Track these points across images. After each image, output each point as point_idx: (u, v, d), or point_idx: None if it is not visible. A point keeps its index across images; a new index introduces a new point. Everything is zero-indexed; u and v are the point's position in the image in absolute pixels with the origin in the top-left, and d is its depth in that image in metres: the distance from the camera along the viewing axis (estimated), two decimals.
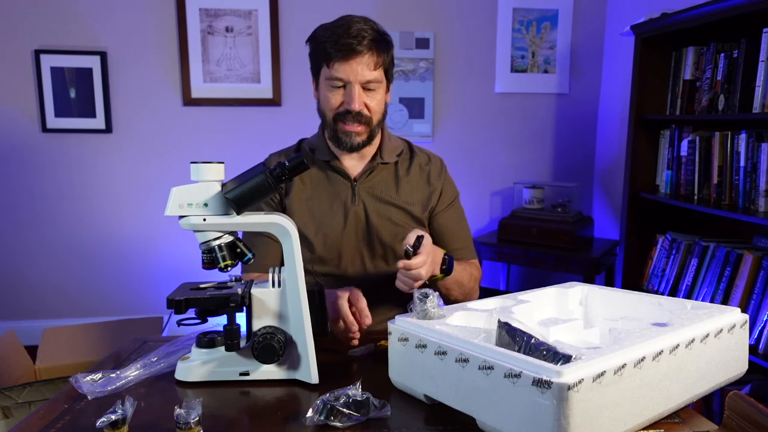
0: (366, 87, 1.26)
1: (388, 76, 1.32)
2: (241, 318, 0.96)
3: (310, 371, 0.92)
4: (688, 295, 2.08)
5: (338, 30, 1.23)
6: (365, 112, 1.27)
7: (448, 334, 0.78)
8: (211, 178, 0.89)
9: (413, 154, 1.41)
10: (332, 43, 1.22)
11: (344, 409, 0.77)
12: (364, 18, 1.27)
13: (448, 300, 1.35)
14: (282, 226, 0.92)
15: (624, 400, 0.68)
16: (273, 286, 0.94)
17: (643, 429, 0.73)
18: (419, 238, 1.08)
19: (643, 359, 0.69)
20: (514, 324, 0.79)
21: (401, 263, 1.06)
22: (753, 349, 1.72)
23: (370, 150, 1.35)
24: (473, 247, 1.45)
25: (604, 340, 0.85)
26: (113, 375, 0.93)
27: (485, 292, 1.26)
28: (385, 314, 1.32)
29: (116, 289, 2.98)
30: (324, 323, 0.98)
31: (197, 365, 0.93)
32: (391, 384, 0.89)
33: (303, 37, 1.32)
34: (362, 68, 1.23)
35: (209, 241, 0.92)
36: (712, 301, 1.95)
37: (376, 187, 1.34)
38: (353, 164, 1.35)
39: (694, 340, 0.77)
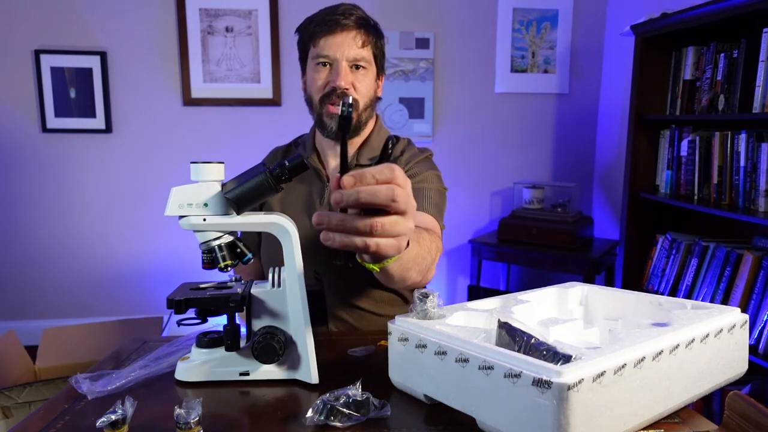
0: (354, 66, 1.18)
1: (378, 65, 1.24)
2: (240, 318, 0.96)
3: (310, 371, 0.92)
4: (688, 295, 2.08)
5: (325, 10, 1.19)
6: (352, 92, 1.18)
7: (448, 334, 0.78)
8: (211, 178, 0.89)
9: (399, 152, 1.29)
10: (318, 22, 1.18)
11: (344, 409, 0.77)
12: (353, 3, 1.22)
13: (402, 285, 1.00)
14: (282, 226, 0.92)
15: (624, 400, 0.67)
16: (273, 286, 0.94)
17: (643, 429, 0.73)
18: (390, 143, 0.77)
19: (643, 359, 0.69)
20: (514, 324, 0.79)
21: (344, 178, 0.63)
22: (753, 349, 1.72)
23: (351, 149, 1.27)
24: (436, 223, 1.18)
25: (604, 340, 0.85)
26: (113, 375, 0.92)
27: (485, 292, 1.24)
28: (370, 315, 1.26)
29: (116, 289, 2.98)
30: (324, 323, 0.98)
31: (197, 365, 0.93)
32: (391, 384, 0.89)
33: None
34: (349, 44, 1.16)
35: (209, 241, 0.91)
36: (712, 301, 1.95)
37: None
38: (334, 165, 1.26)
39: (694, 340, 0.77)
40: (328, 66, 1.18)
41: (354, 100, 1.05)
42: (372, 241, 0.64)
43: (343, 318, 1.25)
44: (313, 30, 1.18)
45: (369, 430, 0.76)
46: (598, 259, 2.55)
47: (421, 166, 1.25)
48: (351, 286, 1.23)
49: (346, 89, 1.17)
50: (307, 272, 0.93)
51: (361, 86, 1.19)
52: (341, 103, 0.68)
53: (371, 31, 1.20)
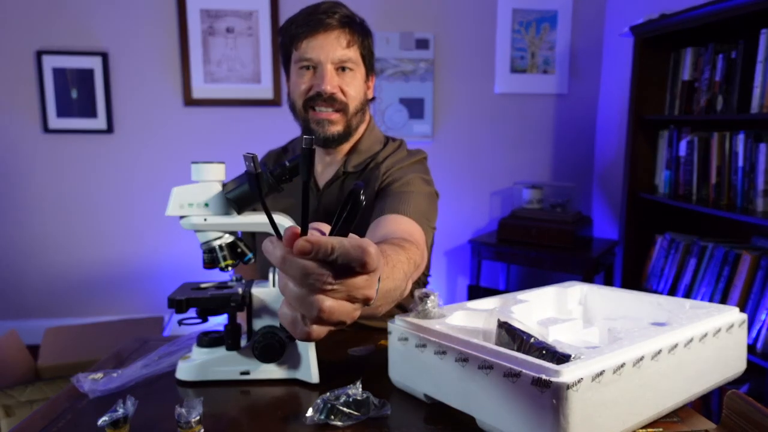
0: (341, 69, 1.10)
1: (367, 65, 1.16)
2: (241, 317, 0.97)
3: (310, 371, 0.92)
4: (687, 295, 2.08)
5: (306, 10, 1.11)
6: (339, 96, 1.10)
7: (447, 334, 0.78)
8: (211, 178, 0.90)
9: (383, 158, 1.18)
10: (299, 23, 1.09)
11: (344, 409, 0.77)
12: (337, 1, 1.13)
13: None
14: (283, 226, 0.92)
15: (623, 399, 0.68)
16: (273, 285, 0.95)
17: (642, 428, 0.74)
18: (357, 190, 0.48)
19: (642, 359, 0.69)
20: (514, 323, 0.79)
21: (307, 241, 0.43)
22: (751, 348, 1.72)
23: (339, 155, 1.18)
24: (417, 228, 1.02)
25: (603, 340, 0.86)
26: (114, 374, 0.93)
27: (485, 292, 1.23)
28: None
29: (117, 288, 2.98)
30: None
31: (198, 365, 0.93)
32: (391, 384, 0.89)
33: None
34: (333, 45, 1.08)
35: (210, 241, 0.92)
36: (710, 301, 1.95)
37: (337, 202, 1.15)
38: (321, 170, 1.19)
39: (692, 339, 0.77)
40: (311, 69, 1.10)
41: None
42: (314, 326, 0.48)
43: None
44: (294, 32, 1.10)
45: (369, 430, 0.77)
46: (598, 258, 2.55)
47: (406, 170, 1.15)
48: None
49: (333, 93, 1.09)
50: None
51: (349, 89, 1.11)
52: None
53: (357, 29, 1.12)
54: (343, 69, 1.11)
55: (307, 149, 0.48)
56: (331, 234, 0.48)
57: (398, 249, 0.84)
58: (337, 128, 1.11)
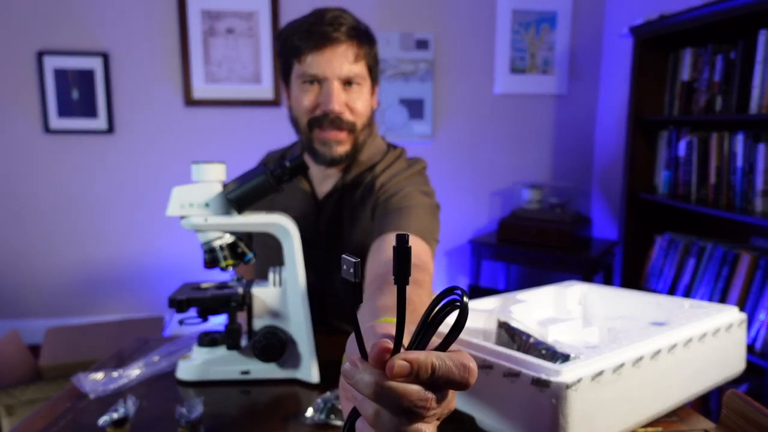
0: (347, 84, 1.04)
1: (373, 76, 1.10)
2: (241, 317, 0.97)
3: (310, 370, 0.92)
4: (686, 295, 2.09)
5: (309, 19, 1.04)
6: (347, 116, 1.04)
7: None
8: (212, 178, 0.90)
9: (380, 171, 1.12)
10: (303, 33, 1.02)
11: None
12: (340, 8, 1.06)
13: None
14: (282, 226, 0.92)
15: (622, 399, 0.68)
16: (273, 285, 0.95)
17: (642, 427, 0.74)
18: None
19: (641, 358, 0.70)
20: (514, 323, 0.79)
21: (395, 365, 0.38)
22: (750, 348, 1.73)
23: (339, 166, 1.12)
24: (423, 246, 0.97)
25: (602, 340, 0.86)
26: (115, 374, 0.93)
27: (485, 292, 1.23)
28: None
29: (118, 288, 2.98)
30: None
31: (198, 364, 0.93)
32: None
33: None
34: (340, 60, 1.01)
35: (211, 241, 0.92)
36: (709, 301, 1.95)
37: (337, 215, 1.11)
38: (318, 182, 1.15)
39: (692, 339, 0.77)
40: (316, 84, 1.04)
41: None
42: None
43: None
44: (297, 44, 1.03)
45: None
46: (597, 259, 2.55)
47: (403, 183, 1.09)
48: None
49: (340, 114, 1.03)
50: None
51: (356, 105, 1.05)
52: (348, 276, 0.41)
53: (364, 41, 1.05)
54: (350, 84, 1.05)
55: (403, 248, 0.38)
56: (414, 343, 0.41)
57: (413, 285, 0.76)
58: (344, 148, 1.06)
